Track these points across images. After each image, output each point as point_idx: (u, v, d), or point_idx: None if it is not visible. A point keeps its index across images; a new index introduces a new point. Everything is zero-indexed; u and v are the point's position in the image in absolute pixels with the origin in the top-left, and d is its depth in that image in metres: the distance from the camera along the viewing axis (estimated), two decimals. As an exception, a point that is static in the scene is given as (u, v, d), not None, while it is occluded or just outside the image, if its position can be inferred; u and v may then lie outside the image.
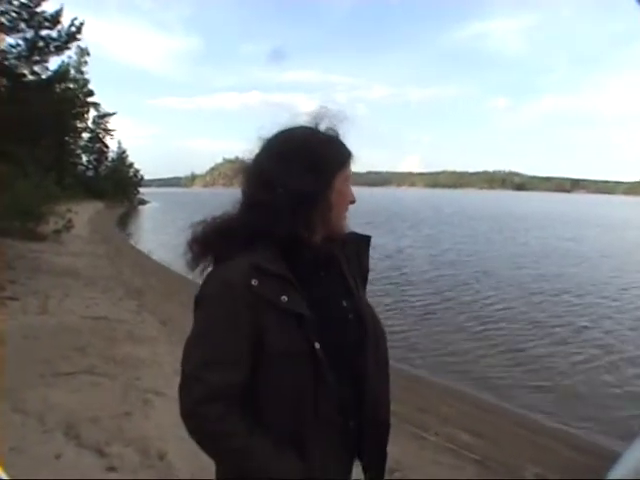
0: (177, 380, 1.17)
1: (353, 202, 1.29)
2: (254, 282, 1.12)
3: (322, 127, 1.28)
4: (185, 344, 1.18)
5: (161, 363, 5.33)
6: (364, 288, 1.40)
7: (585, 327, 9.15)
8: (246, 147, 1.29)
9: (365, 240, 1.42)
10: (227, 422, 1.11)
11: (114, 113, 61.52)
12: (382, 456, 1.32)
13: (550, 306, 10.86)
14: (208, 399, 1.11)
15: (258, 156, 1.26)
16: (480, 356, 7.51)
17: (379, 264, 14.75)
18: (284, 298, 1.13)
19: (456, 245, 22.17)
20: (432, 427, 4.82)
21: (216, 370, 1.12)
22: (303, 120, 1.30)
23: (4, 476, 1.47)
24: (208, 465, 1.23)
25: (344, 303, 1.27)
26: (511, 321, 9.54)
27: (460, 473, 3.96)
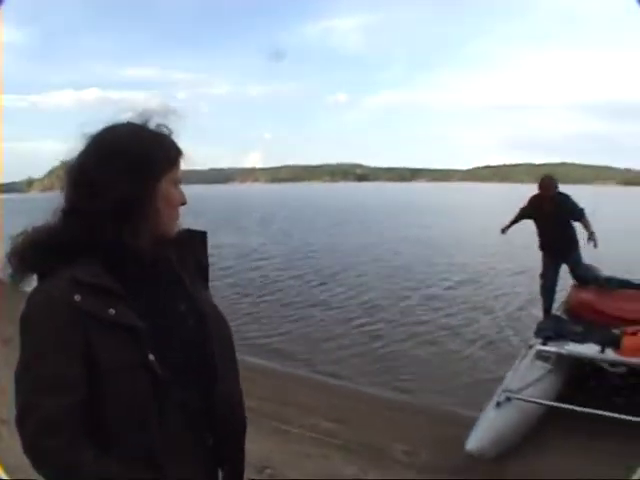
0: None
1: (184, 204, 1.22)
2: (77, 298, 1.05)
3: (152, 124, 1.20)
4: (15, 372, 1.08)
5: (3, 388, 4.80)
6: (206, 287, 1.35)
7: (460, 324, 9.00)
8: (68, 146, 1.17)
9: (200, 236, 1.34)
10: (71, 452, 1.02)
11: None
12: (240, 456, 1.30)
13: (410, 293, 11.13)
14: (47, 429, 1.02)
15: (79, 156, 1.15)
16: (339, 347, 7.62)
17: (234, 264, 13.98)
18: (111, 311, 1.06)
19: (311, 239, 22.18)
20: (294, 419, 4.82)
21: (50, 395, 1.03)
22: (130, 117, 1.20)
23: (4, 476, 1.41)
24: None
25: (182, 307, 1.21)
26: (370, 310, 9.70)
27: (326, 460, 4.02)
